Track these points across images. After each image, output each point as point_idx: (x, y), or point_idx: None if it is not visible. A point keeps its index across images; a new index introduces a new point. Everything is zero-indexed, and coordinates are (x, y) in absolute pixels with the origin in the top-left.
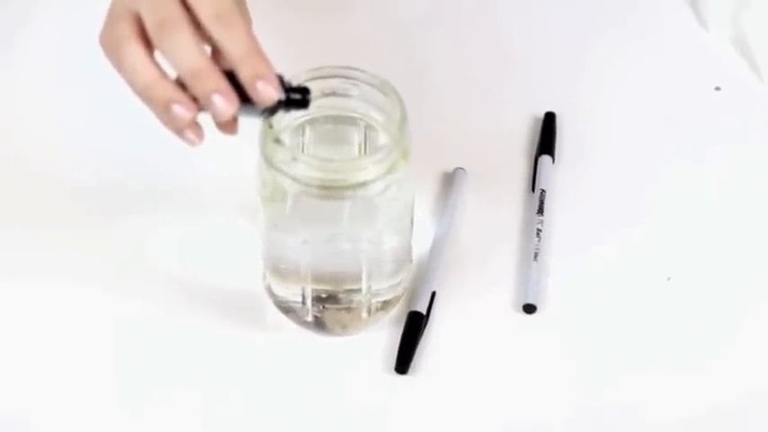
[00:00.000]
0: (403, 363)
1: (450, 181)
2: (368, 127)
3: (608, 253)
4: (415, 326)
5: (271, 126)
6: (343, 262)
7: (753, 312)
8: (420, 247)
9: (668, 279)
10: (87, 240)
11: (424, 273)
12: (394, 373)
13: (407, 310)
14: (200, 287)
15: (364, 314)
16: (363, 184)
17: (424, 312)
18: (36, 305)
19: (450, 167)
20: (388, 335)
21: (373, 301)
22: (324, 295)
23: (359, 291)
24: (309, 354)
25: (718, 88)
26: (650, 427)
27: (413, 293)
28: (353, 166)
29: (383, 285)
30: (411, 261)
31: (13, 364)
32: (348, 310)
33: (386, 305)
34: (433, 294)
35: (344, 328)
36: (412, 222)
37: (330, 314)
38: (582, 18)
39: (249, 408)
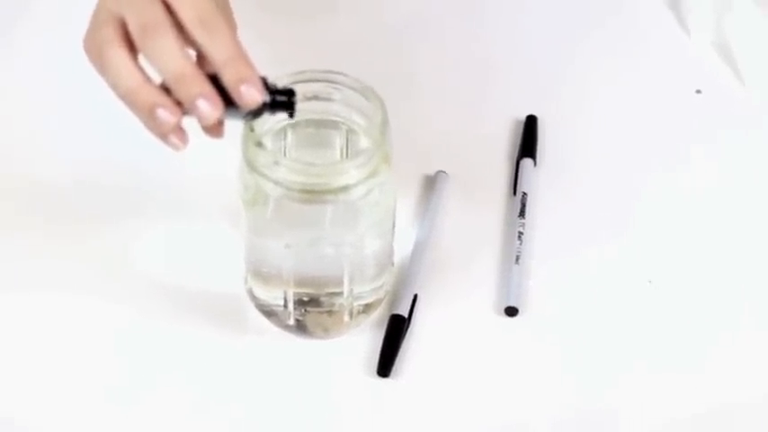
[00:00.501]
0: (385, 366)
1: (431, 184)
2: (350, 131)
3: (589, 256)
4: (396, 329)
5: (252, 129)
6: (324, 266)
7: (734, 314)
8: (402, 251)
9: (650, 282)
10: (68, 245)
11: (405, 276)
12: (376, 376)
13: (389, 314)
14: (182, 290)
15: (346, 317)
16: (345, 188)
17: (406, 315)
18: (19, 312)
19: (431, 170)
20: (369, 338)
21: (355, 304)
22: (306, 299)
23: (341, 294)
24: (291, 357)
25: (698, 91)
26: (632, 430)
27: (395, 296)
28: (335, 170)
29: (365, 289)
30: (393, 264)
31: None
32: (330, 313)
33: (368, 308)
34: (415, 297)
35: (326, 332)
36: (394, 226)
37: (312, 317)
38: (564, 22)
39: (231, 411)
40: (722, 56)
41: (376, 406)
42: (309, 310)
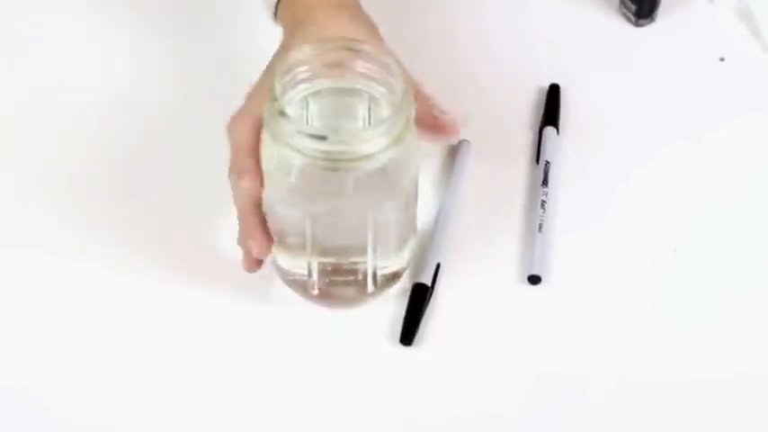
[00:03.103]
0: (408, 334)
1: (454, 153)
2: (372, 99)
3: (612, 224)
4: (419, 298)
5: (276, 99)
6: (348, 235)
7: (760, 283)
8: (425, 219)
9: (674, 250)
10: (99, 219)
11: (428, 245)
12: (399, 344)
13: (412, 282)
14: (207, 261)
15: (370, 286)
16: (368, 157)
17: (429, 284)
18: (47, 284)
19: (454, 139)
20: (392, 307)
21: (379, 273)
22: (329, 268)
23: (364, 263)
24: (315, 327)
25: (722, 59)
26: (658, 396)
27: (417, 265)
28: (358, 138)
29: (388, 257)
30: (416, 233)
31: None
32: (354, 282)
33: (392, 277)
34: (438, 266)
35: (350, 301)
36: (417, 194)
37: (336, 287)
38: None
39: (255, 381)
40: (745, 22)
41: (399, 374)
42: (333, 280)
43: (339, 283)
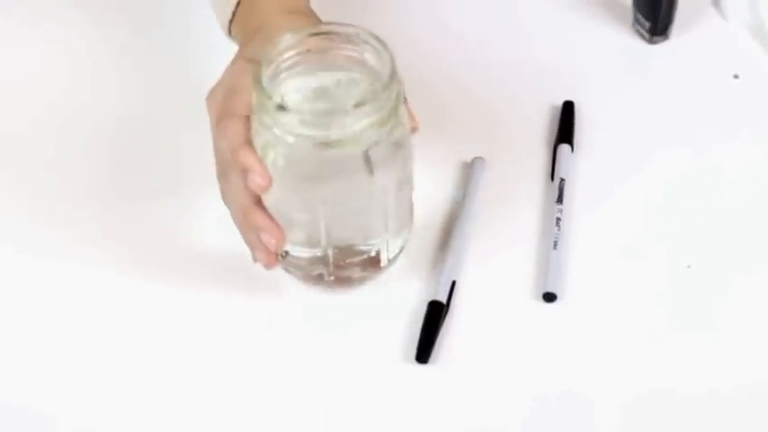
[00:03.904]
0: (423, 352)
1: (469, 170)
2: (359, 79)
3: (627, 241)
4: (435, 315)
5: (269, 96)
6: (360, 215)
7: None
8: (440, 237)
9: (688, 267)
10: (104, 221)
11: (444, 262)
12: (415, 362)
13: (428, 300)
14: (218, 260)
15: (384, 261)
16: (368, 135)
17: (445, 302)
18: (54, 288)
19: (468, 157)
20: (408, 324)
21: (390, 247)
22: (344, 252)
23: (377, 241)
24: (331, 343)
25: (736, 76)
26: (675, 412)
27: (433, 283)
28: (355, 119)
29: (399, 231)
30: (412, 222)
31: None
32: (369, 261)
33: (400, 249)
34: (453, 284)
35: (365, 280)
36: (413, 164)
37: (351, 269)
38: (600, 7)
39: (264, 400)
40: (759, 39)
41: (415, 392)
42: (349, 262)
43: (354, 264)
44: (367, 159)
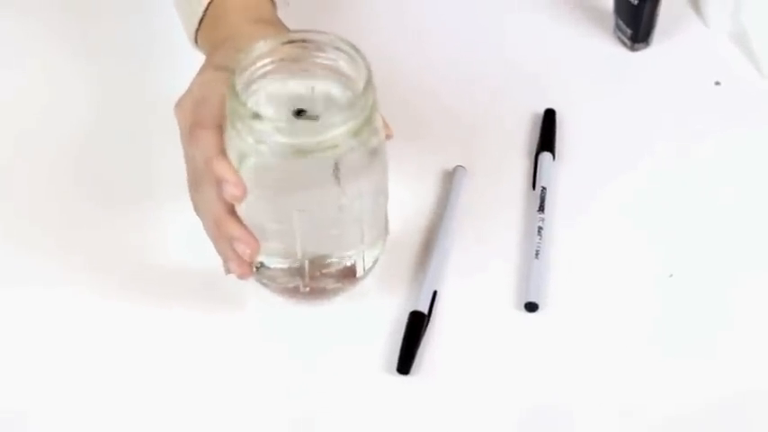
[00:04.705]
0: (405, 363)
1: (450, 179)
2: (335, 87)
3: (609, 250)
4: (416, 326)
5: (243, 104)
6: (336, 224)
7: (756, 308)
8: (421, 247)
9: (670, 276)
10: (69, 233)
11: (425, 272)
12: (396, 373)
13: (409, 311)
14: (191, 274)
15: (359, 272)
16: (343, 142)
17: (426, 312)
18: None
19: (450, 165)
20: (389, 335)
21: (367, 257)
22: (320, 262)
23: (354, 252)
24: (312, 355)
25: (717, 83)
26: (656, 424)
27: (414, 293)
28: (332, 125)
29: (375, 242)
30: (387, 233)
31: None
32: (344, 271)
33: (376, 260)
34: (435, 294)
35: (341, 291)
36: (387, 174)
37: (326, 279)
38: (581, 15)
39: (245, 412)
40: (740, 46)
41: (396, 403)
42: (324, 273)
43: (330, 275)
44: (338, 169)
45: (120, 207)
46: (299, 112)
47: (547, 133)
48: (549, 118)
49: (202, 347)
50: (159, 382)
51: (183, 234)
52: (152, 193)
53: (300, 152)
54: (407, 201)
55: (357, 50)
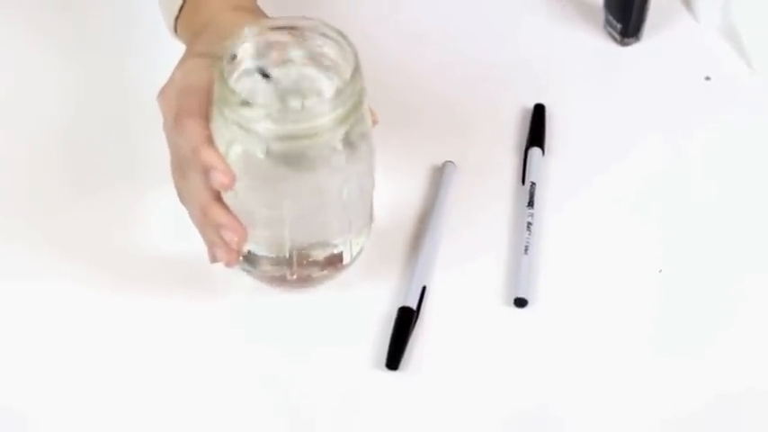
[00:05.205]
0: (394, 359)
1: (439, 174)
2: (323, 73)
3: (599, 245)
4: (405, 321)
5: (232, 91)
6: (323, 211)
7: (745, 304)
8: (410, 242)
9: (660, 271)
10: (54, 222)
11: (413, 268)
12: (385, 369)
13: (398, 306)
14: (175, 264)
15: (346, 258)
16: (332, 128)
17: (415, 308)
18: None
19: (439, 161)
20: (378, 330)
21: (353, 244)
22: (307, 249)
23: (341, 239)
24: (300, 350)
25: (708, 78)
26: (644, 420)
27: (403, 289)
28: (321, 112)
29: (361, 229)
30: (372, 220)
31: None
32: (331, 258)
33: (361, 247)
34: (424, 289)
35: (328, 278)
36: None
37: (313, 266)
38: (572, 9)
39: (233, 408)
40: (730, 41)
41: (385, 399)
42: (312, 261)
43: (316, 262)
44: (326, 155)
45: (102, 196)
46: (284, 98)
47: (536, 128)
48: (539, 113)
49: (187, 341)
50: (141, 373)
51: (167, 223)
52: (134, 182)
53: (289, 139)
54: (396, 196)
55: (344, 37)
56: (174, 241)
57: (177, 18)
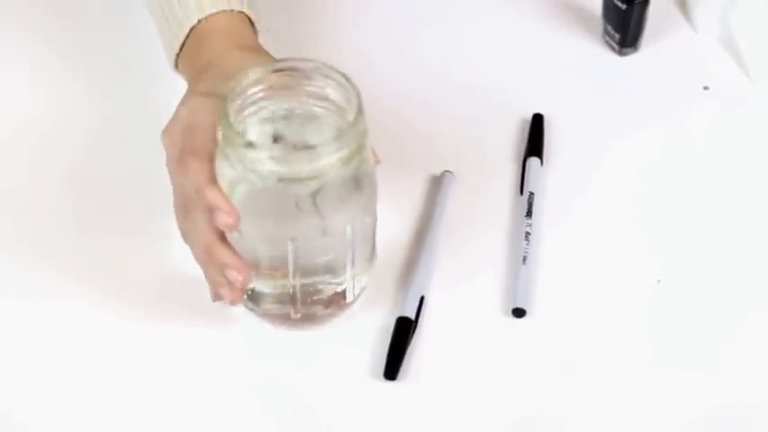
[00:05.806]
0: (392, 368)
1: (438, 184)
2: (325, 115)
3: (597, 255)
4: (403, 331)
5: (238, 133)
6: (327, 251)
7: (744, 314)
8: (408, 252)
9: (658, 281)
10: (54, 250)
11: (412, 278)
12: (383, 378)
13: (396, 316)
14: (179, 297)
15: (349, 296)
16: (335, 170)
17: (413, 318)
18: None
19: (437, 170)
20: (376, 340)
21: (356, 283)
22: (311, 288)
23: (343, 277)
24: (297, 360)
25: (706, 88)
26: (642, 428)
27: (401, 299)
28: (325, 153)
29: (364, 268)
30: (375, 256)
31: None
32: (334, 297)
33: (364, 286)
34: (422, 299)
35: (331, 317)
36: (376, 198)
37: (317, 306)
38: (569, 20)
39: (236, 415)
40: (728, 51)
41: (383, 409)
42: (315, 299)
43: (320, 301)
44: (329, 196)
45: (118, 220)
46: (277, 139)
47: (535, 138)
48: (537, 123)
49: (189, 353)
50: (146, 390)
51: (175, 245)
52: (151, 205)
53: (292, 180)
54: (395, 206)
55: (347, 78)
56: (180, 262)
57: (178, 54)
